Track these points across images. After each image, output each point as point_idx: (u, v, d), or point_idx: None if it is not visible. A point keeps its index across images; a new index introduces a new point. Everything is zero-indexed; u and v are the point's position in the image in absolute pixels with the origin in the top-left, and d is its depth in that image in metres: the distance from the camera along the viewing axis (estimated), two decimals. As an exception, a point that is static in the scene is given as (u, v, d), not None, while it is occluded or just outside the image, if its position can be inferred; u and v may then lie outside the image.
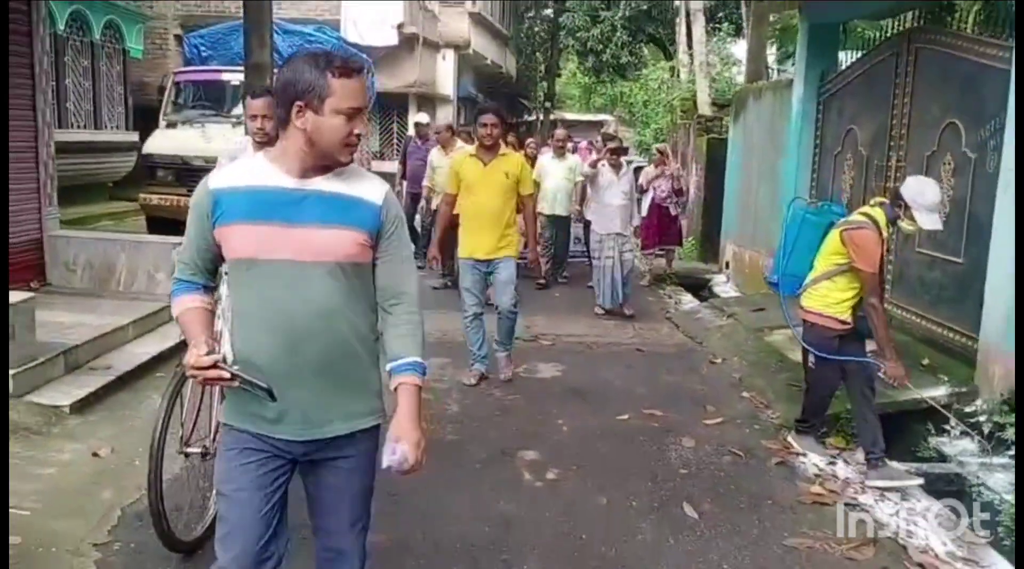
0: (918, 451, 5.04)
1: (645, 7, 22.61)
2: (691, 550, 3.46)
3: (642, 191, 9.55)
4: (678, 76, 19.11)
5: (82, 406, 4.64)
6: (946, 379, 5.29)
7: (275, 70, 8.17)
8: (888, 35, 6.96)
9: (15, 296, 4.66)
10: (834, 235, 4.20)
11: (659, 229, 9.84)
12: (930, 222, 4.03)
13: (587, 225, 8.96)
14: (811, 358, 4.41)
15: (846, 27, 8.04)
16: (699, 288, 10.40)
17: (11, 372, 4.47)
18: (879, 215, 4.10)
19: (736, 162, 10.46)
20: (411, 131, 9.82)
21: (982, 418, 4.87)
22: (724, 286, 10.37)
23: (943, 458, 4.91)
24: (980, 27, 5.71)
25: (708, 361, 6.48)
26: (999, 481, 4.46)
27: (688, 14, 17.38)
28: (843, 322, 4.20)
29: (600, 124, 45.22)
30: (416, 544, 3.37)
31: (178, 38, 15.84)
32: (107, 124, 13.24)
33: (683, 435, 4.78)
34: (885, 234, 4.10)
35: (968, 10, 6.03)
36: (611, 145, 8.63)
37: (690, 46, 17.13)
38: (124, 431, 4.39)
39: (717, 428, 4.96)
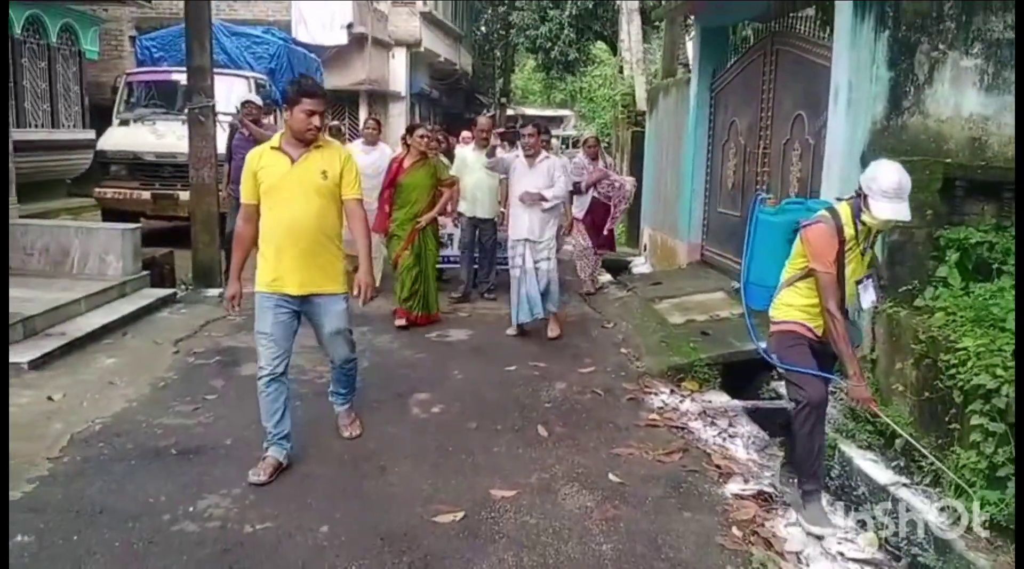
0: (760, 392, 5.97)
1: (591, 5, 23.47)
2: (535, 457, 4.31)
3: (576, 190, 8.33)
4: (622, 72, 20.02)
5: (39, 364, 5.40)
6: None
7: (217, 71, 8.93)
8: (759, 37, 7.89)
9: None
10: (798, 238, 3.77)
11: (597, 227, 8.63)
12: (888, 212, 3.50)
13: None
14: (785, 395, 4.01)
15: (735, 29, 8.91)
16: (621, 270, 11.27)
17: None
18: (844, 209, 3.67)
19: (651, 153, 11.39)
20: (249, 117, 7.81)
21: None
22: (642, 267, 11.27)
23: (779, 397, 5.82)
24: (819, 30, 6.62)
25: (600, 326, 7.35)
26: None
27: (621, 14, 18.30)
28: (809, 329, 3.77)
29: (560, 119, 46.14)
30: (307, 456, 4.19)
31: (132, 39, 16.41)
32: (64, 123, 13.80)
33: (556, 380, 5.65)
34: (849, 230, 3.63)
35: (814, 15, 6.92)
36: (497, 129, 7.85)
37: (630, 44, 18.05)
38: (75, 382, 5.16)
39: (588, 375, 5.82)
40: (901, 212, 3.53)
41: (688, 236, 9.39)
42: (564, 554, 3.33)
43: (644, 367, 6.02)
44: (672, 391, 5.60)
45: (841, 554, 3.57)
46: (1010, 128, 5.20)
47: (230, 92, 10.40)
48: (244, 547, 3.27)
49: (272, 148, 3.94)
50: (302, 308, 4.00)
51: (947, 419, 4.07)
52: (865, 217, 3.59)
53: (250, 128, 7.84)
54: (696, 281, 8.43)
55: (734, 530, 3.59)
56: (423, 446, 4.42)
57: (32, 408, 4.67)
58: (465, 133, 10.66)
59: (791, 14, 7.19)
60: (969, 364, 3.89)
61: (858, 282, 3.78)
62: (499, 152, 6.90)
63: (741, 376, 6.03)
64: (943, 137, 5.26)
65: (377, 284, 6.26)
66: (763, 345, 3.98)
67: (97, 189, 10.96)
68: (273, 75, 12.90)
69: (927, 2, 5.17)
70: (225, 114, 9.36)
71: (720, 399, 5.57)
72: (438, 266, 7.78)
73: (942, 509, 3.89)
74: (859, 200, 3.61)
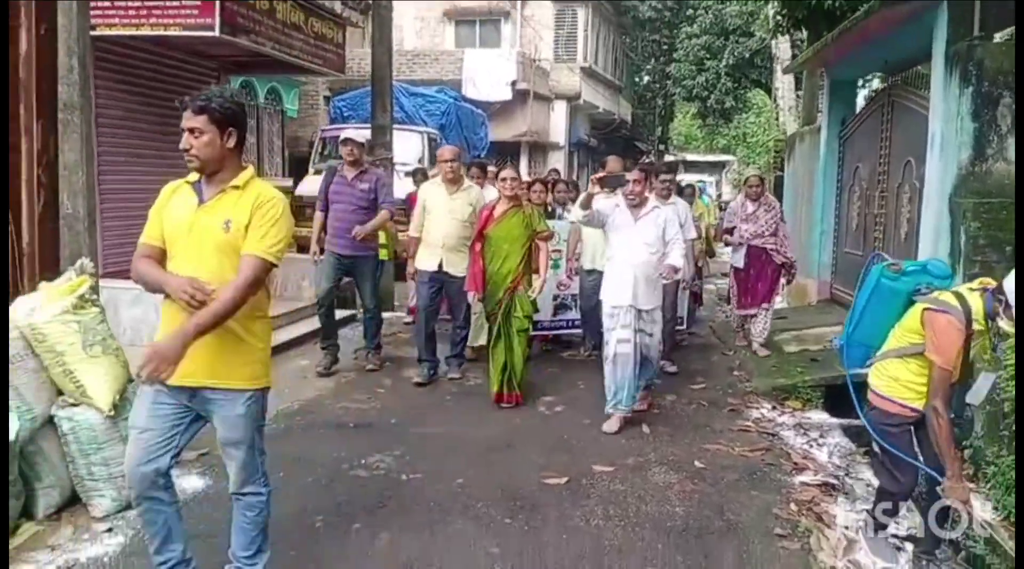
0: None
1: (747, 55, 24.03)
2: (634, 447, 5.18)
3: (725, 240, 7.99)
4: (777, 118, 20.45)
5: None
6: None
7: (395, 127, 10.47)
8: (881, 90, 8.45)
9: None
10: (916, 310, 3.54)
11: (756, 281, 7.70)
12: None
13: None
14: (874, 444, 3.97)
15: (864, 82, 9.47)
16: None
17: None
18: (976, 301, 3.39)
19: (789, 195, 11.91)
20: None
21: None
22: (778, 306, 11.75)
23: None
24: (926, 84, 7.15)
25: (721, 353, 8.06)
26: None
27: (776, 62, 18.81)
28: (912, 410, 3.58)
29: (722, 165, 46.24)
30: (452, 432, 5.27)
31: (326, 99, 18.75)
32: (267, 172, 16.06)
33: (668, 394, 6.45)
34: (977, 326, 3.39)
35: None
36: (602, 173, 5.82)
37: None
38: (280, 376, 6.19)
39: (699, 391, 6.59)
40: None
41: (818, 274, 9.88)
42: (643, 512, 4.18)
43: (752, 387, 6.71)
44: (774, 407, 6.27)
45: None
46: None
47: (407, 145, 11.99)
48: (398, 487, 4.38)
49: (187, 182, 2.97)
50: (192, 404, 2.93)
51: (1000, 426, 4.58)
52: (1004, 324, 3.31)
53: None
54: (820, 316, 8.93)
55: (791, 506, 4.31)
56: (544, 434, 5.39)
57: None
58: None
59: (905, 70, 7.74)
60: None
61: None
62: (596, 201, 5.52)
63: (844, 396, 6.58)
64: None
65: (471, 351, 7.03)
66: (868, 418, 3.83)
67: (295, 229, 12.78)
68: (444, 130, 14.50)
69: (1008, 59, 5.69)
70: (403, 164, 10.96)
71: (819, 416, 6.17)
72: (556, 332, 7.84)
73: (995, 507, 4.42)
74: (995, 300, 3.32)
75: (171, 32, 6.58)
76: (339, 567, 3.52)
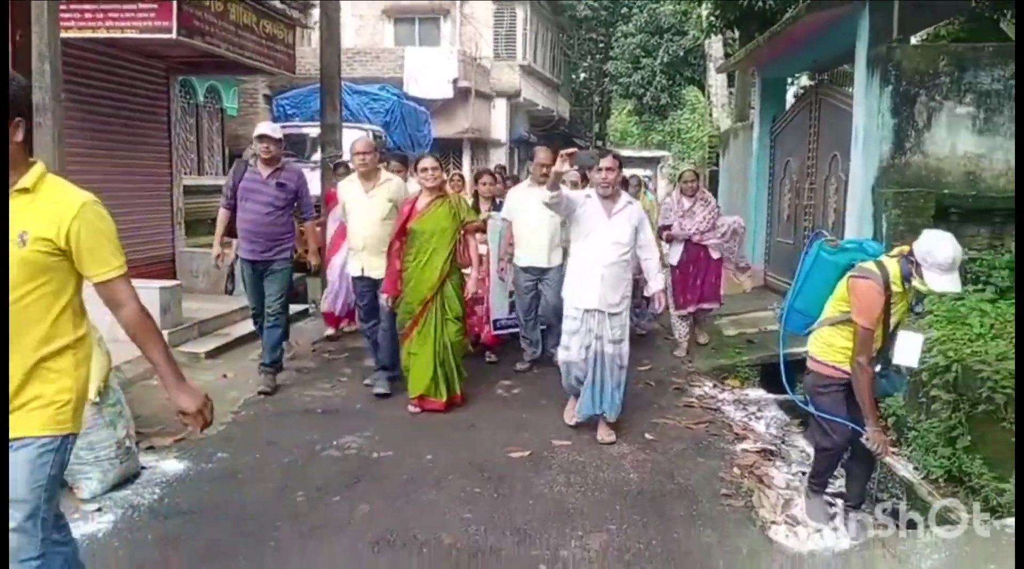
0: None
1: (682, 53, 24.73)
2: (589, 422, 5.50)
3: (664, 236, 7.37)
4: (710, 114, 21.14)
5: (213, 354, 6.98)
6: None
7: (343, 125, 10.62)
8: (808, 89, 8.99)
9: (168, 282, 7.05)
10: (844, 280, 3.88)
11: (695, 279, 7.43)
12: (941, 283, 3.54)
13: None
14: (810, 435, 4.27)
15: (793, 80, 10.02)
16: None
17: (166, 332, 6.82)
18: (893, 267, 3.73)
19: (723, 189, 12.47)
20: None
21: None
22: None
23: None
24: (850, 83, 7.69)
25: (664, 338, 8.48)
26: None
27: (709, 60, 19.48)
28: (843, 372, 3.88)
29: (657, 160, 47.16)
30: (417, 417, 5.53)
31: (266, 97, 18.70)
32: (208, 170, 16.01)
33: (617, 375, 6.81)
34: (896, 288, 3.72)
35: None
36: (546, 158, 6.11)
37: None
38: (241, 367, 6.69)
39: (645, 373, 6.94)
40: (955, 283, 3.58)
41: (752, 262, 10.40)
42: (601, 478, 4.52)
43: (694, 367, 7.14)
44: (715, 385, 6.69)
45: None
46: (1001, 163, 6.16)
47: (351, 143, 12.10)
48: (371, 465, 4.65)
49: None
50: None
51: (918, 394, 5.06)
52: (916, 283, 3.64)
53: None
54: (755, 302, 9.42)
55: (735, 470, 4.71)
56: (505, 415, 5.70)
57: (212, 382, 6.21)
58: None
59: (831, 69, 8.28)
60: (933, 350, 4.90)
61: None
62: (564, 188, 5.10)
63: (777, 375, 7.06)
64: (942, 172, 6.26)
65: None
66: (798, 396, 4.33)
67: (241, 226, 12.79)
68: (388, 127, 14.68)
69: (924, 60, 6.22)
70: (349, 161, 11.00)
71: (756, 393, 6.62)
72: (495, 332, 7.05)
73: (915, 467, 4.90)
74: (908, 263, 3.65)
75: (128, 35, 6.67)
76: (323, 536, 3.76)
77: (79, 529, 3.72)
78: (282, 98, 15.72)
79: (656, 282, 5.22)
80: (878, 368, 3.86)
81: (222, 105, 16.72)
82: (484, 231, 6.40)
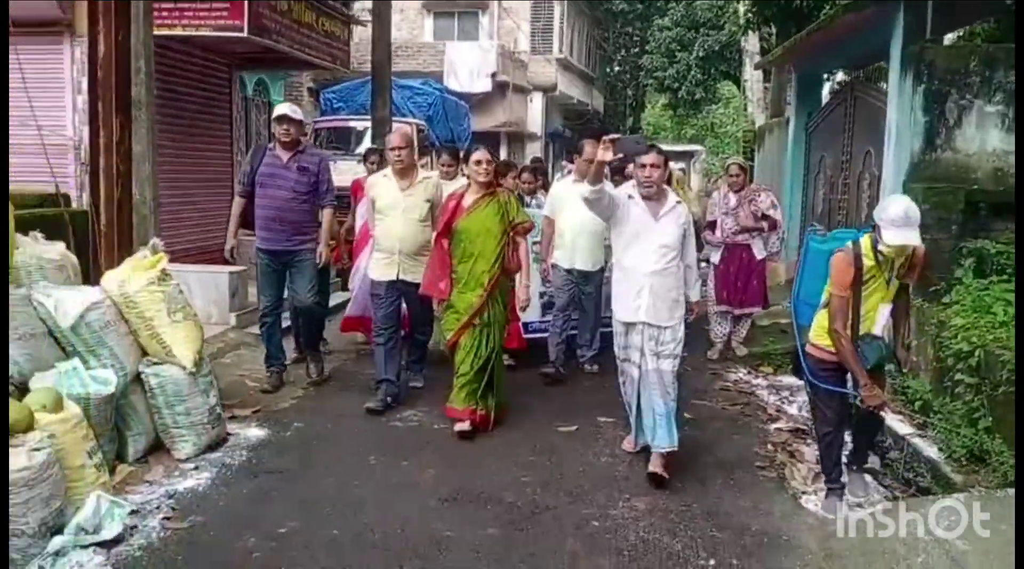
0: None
1: (717, 48, 24.87)
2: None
3: (705, 231, 7.22)
4: (747, 110, 21.32)
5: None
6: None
7: (392, 119, 11.07)
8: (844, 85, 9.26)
9: (236, 268, 7.54)
10: None
11: (736, 279, 7.20)
12: (896, 237, 3.78)
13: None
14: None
15: (829, 76, 10.27)
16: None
17: (233, 315, 7.32)
18: (865, 240, 3.99)
19: (758, 183, 12.72)
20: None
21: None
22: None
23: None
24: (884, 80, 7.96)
25: (701, 327, 8.79)
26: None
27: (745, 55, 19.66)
28: (833, 353, 4.07)
29: (691, 154, 47.30)
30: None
31: (310, 90, 19.25)
32: (256, 162, 16.58)
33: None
34: (868, 261, 3.96)
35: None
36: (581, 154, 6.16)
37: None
38: None
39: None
40: (910, 238, 3.79)
41: (786, 256, 10.68)
42: (642, 452, 4.91)
43: (729, 355, 7.48)
44: (749, 372, 7.04)
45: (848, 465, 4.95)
46: (1030, 161, 6.41)
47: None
48: (433, 435, 5.11)
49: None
50: None
51: (943, 379, 5.38)
52: (880, 246, 3.89)
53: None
54: (788, 292, 9.72)
55: (768, 446, 5.08)
56: (555, 400, 6.11)
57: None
58: (570, 165, 9.30)
59: (867, 66, 8.54)
60: (958, 336, 5.21)
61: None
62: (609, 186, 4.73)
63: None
64: (971, 168, 6.51)
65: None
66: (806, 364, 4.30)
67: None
68: (431, 121, 15.12)
69: (955, 60, 6.49)
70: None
71: (789, 379, 6.93)
72: (527, 336, 6.68)
73: (939, 449, 5.22)
74: (875, 233, 3.91)
75: (202, 32, 7.16)
76: (397, 494, 4.20)
77: (182, 483, 4.21)
78: (328, 92, 16.22)
79: (694, 292, 4.79)
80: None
81: (269, 98, 17.27)
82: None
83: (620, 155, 4.23)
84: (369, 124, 11.35)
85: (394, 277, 5.54)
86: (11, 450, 3.23)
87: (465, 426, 5.04)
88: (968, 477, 4.83)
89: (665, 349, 4.54)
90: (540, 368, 6.44)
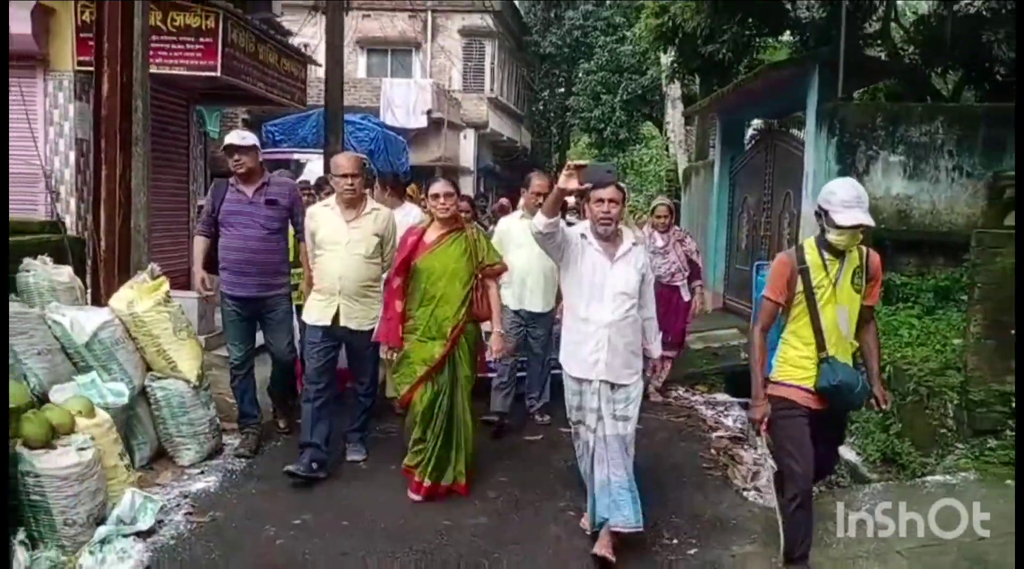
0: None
1: (640, 91, 26.17)
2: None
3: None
4: (668, 150, 22.48)
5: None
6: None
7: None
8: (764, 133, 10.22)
9: (193, 293, 7.85)
10: None
11: (664, 321, 5.81)
12: (850, 218, 3.40)
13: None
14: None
15: (748, 123, 11.27)
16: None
17: (203, 337, 7.62)
18: (808, 241, 3.69)
19: (686, 222, 13.63)
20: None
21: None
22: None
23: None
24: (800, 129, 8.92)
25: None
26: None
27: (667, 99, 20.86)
28: (805, 392, 3.59)
29: (612, 191, 49.00)
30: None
31: (246, 122, 19.44)
32: (193, 192, 16.72)
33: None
34: (814, 259, 3.57)
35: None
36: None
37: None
38: None
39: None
40: (864, 218, 3.43)
41: (713, 287, 11.55)
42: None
43: (666, 376, 8.18)
44: (687, 390, 7.74)
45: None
46: (927, 203, 7.38)
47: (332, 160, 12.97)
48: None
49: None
50: None
51: (858, 392, 6.16)
52: (830, 235, 3.50)
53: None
54: (717, 321, 10.55)
55: (712, 451, 5.74)
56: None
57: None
58: (504, 201, 9.44)
59: (785, 115, 9.51)
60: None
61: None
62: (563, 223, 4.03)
63: (744, 384, 8.16)
64: (878, 210, 7.36)
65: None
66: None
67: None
68: (372, 155, 15.60)
69: (863, 116, 7.43)
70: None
71: (722, 396, 7.68)
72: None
73: (857, 453, 5.97)
74: (821, 222, 3.55)
75: (176, 71, 7.52)
76: (383, 490, 4.65)
77: (193, 486, 4.59)
78: (271, 124, 16.52)
79: (655, 346, 4.28)
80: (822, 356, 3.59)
81: (205, 128, 17.45)
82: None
83: (588, 185, 3.66)
84: (312, 157, 11.77)
85: (330, 321, 4.82)
86: (61, 449, 3.60)
87: (417, 498, 4.52)
88: (882, 476, 5.60)
89: (627, 410, 4.01)
90: (482, 415, 5.55)
